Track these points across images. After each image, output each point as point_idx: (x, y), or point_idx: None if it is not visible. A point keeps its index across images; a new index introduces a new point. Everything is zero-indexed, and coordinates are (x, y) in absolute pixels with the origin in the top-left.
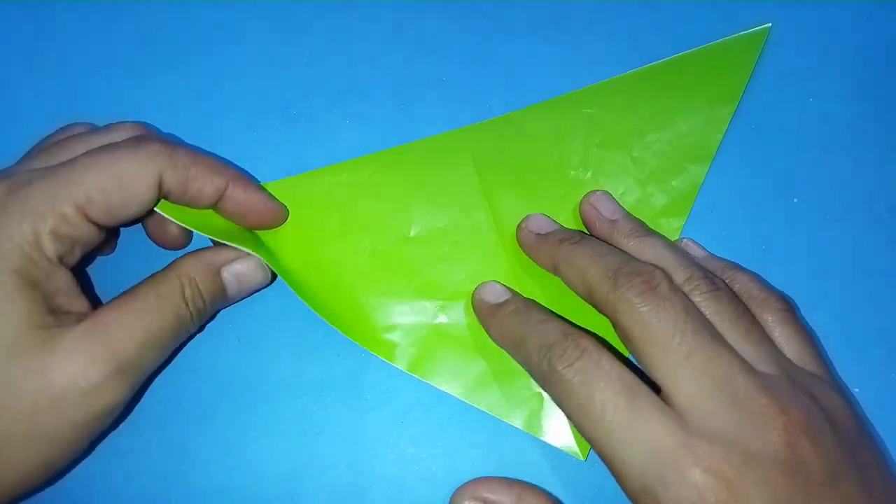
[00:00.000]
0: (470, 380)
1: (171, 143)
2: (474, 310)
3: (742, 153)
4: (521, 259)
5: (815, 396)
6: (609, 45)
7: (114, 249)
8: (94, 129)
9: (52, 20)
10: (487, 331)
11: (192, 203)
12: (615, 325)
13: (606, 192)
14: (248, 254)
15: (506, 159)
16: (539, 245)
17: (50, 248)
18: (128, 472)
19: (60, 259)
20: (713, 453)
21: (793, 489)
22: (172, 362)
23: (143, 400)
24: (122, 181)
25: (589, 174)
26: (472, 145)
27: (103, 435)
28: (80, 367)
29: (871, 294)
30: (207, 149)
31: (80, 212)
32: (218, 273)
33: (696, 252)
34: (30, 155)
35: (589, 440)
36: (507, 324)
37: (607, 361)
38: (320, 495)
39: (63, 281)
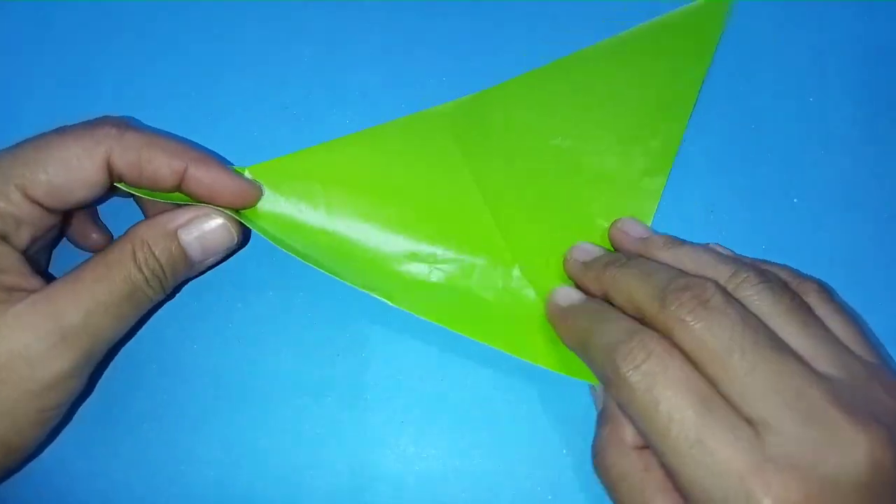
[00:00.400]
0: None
1: (125, 125)
2: (548, 317)
3: (742, 153)
4: (509, 229)
5: (885, 391)
6: None
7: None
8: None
9: (52, 20)
10: (559, 335)
11: (151, 185)
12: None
13: (633, 218)
14: (210, 214)
15: (488, 132)
16: (585, 273)
17: None
18: (127, 472)
19: (4, 238)
20: (787, 481)
21: (881, 496)
22: (172, 362)
23: (142, 400)
24: (66, 163)
25: (570, 142)
26: (453, 121)
27: (70, 413)
28: (23, 338)
29: (871, 294)
30: (208, 149)
31: (20, 192)
32: (174, 235)
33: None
34: None
35: (654, 450)
36: (574, 324)
37: (678, 366)
38: (320, 495)
39: (10, 260)
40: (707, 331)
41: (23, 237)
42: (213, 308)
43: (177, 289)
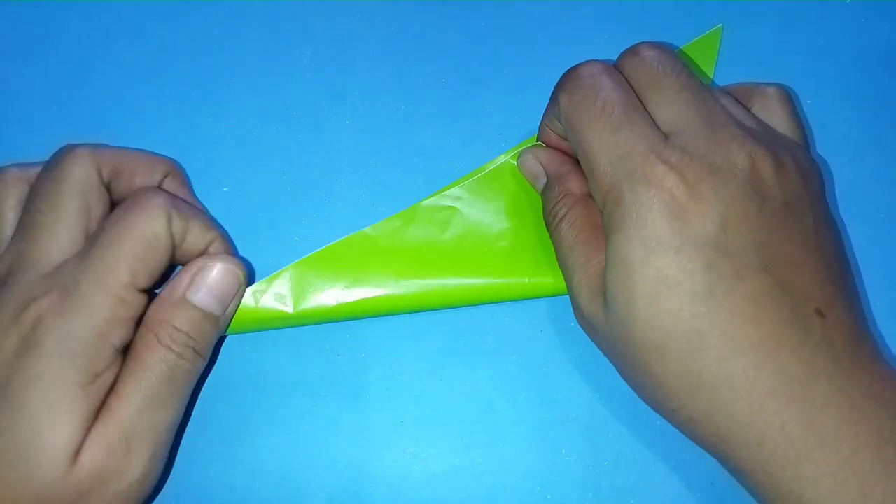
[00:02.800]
0: None
1: (165, 192)
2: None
3: None
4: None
5: (793, 155)
6: (608, 46)
7: None
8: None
9: (52, 20)
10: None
11: (181, 256)
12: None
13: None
14: (206, 265)
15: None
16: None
17: (115, 336)
18: None
19: (124, 344)
20: (679, 157)
21: (748, 202)
22: None
23: None
24: (149, 243)
25: None
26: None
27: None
28: (99, 460)
29: (869, 295)
30: (209, 149)
31: (131, 288)
32: (185, 301)
33: None
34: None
35: (578, 140)
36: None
37: (618, 78)
38: (320, 495)
39: (119, 362)
40: (653, 58)
41: (134, 330)
42: None
43: (216, 348)
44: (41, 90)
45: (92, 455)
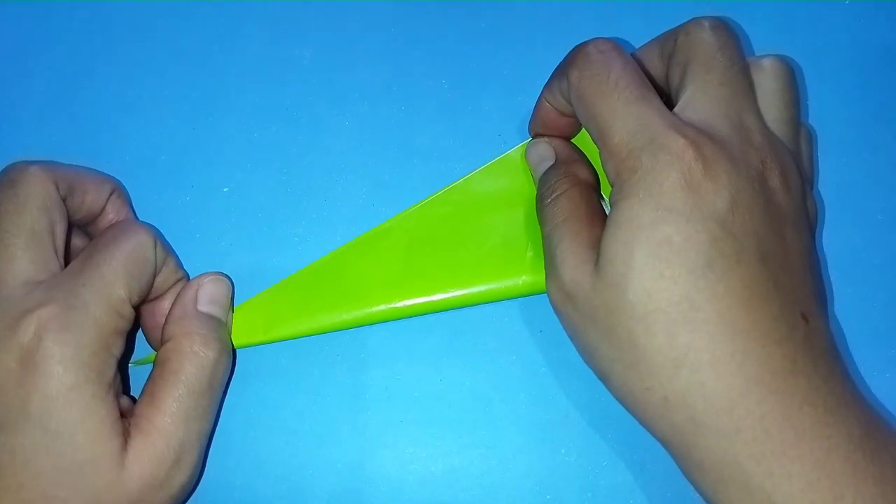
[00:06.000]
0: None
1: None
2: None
3: None
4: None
5: (802, 181)
6: None
7: None
8: None
9: (52, 20)
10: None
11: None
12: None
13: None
14: (199, 282)
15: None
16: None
17: (116, 347)
18: None
19: (122, 355)
20: (697, 136)
21: (755, 196)
22: None
23: None
24: (141, 264)
25: None
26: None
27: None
28: (149, 471)
29: (866, 295)
30: (209, 149)
31: (127, 303)
32: (199, 312)
33: None
34: None
35: (591, 113)
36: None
37: (631, 62)
38: (320, 495)
39: (118, 376)
40: (714, 42)
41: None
42: None
43: None
44: (41, 90)
45: (141, 465)
